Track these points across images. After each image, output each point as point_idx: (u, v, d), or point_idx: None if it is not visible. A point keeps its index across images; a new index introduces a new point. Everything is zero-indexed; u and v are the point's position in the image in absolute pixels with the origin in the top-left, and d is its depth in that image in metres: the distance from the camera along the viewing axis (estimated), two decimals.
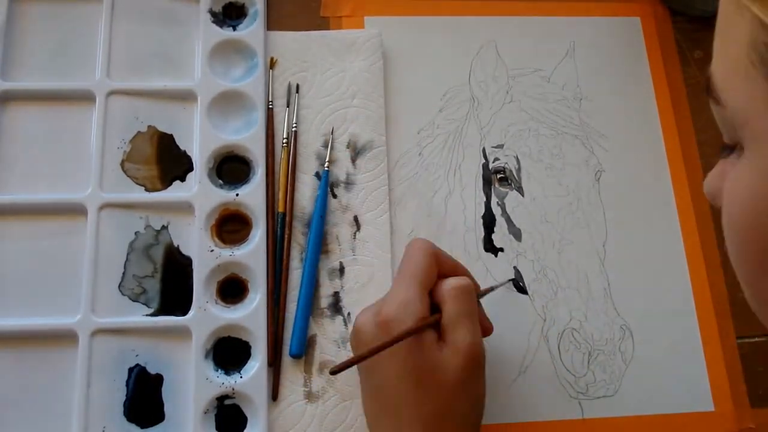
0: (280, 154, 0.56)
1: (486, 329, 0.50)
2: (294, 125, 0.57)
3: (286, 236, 0.54)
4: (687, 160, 0.60)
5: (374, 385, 0.45)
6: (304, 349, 0.52)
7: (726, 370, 0.55)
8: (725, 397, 0.54)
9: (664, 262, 0.57)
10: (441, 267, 0.47)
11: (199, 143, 0.55)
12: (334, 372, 0.42)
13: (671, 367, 0.55)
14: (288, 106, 0.58)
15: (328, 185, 0.56)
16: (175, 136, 0.56)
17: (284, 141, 0.56)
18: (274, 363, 0.51)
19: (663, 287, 0.57)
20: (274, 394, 0.51)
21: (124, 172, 0.55)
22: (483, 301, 0.51)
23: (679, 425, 0.53)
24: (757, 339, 0.56)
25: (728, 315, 0.56)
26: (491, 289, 0.53)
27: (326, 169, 0.56)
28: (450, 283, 0.46)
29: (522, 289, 0.55)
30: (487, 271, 0.56)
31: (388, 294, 0.47)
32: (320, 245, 0.54)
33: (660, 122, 0.61)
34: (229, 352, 0.51)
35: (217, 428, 0.50)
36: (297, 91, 0.58)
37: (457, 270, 0.49)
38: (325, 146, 0.57)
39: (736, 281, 0.57)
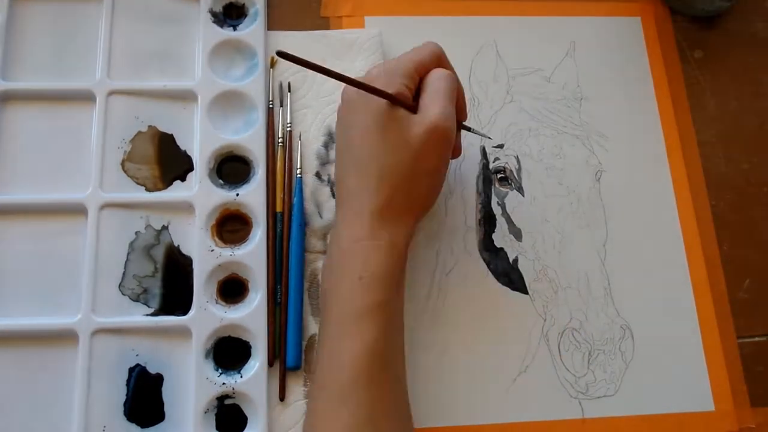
0: (278, 154, 0.56)
1: (457, 150, 0.54)
2: (288, 125, 0.57)
3: (284, 236, 0.54)
4: (687, 160, 0.60)
5: (346, 138, 0.49)
6: (301, 360, 0.52)
7: (726, 370, 0.55)
8: (726, 397, 0.54)
9: (665, 262, 0.57)
10: (441, 65, 0.50)
11: (200, 143, 0.55)
12: (281, 54, 0.43)
13: (671, 366, 0.55)
14: (281, 106, 0.58)
15: (302, 192, 0.55)
16: (175, 136, 0.56)
17: (280, 140, 0.56)
18: (280, 363, 0.51)
19: (663, 287, 0.57)
20: (281, 395, 0.51)
21: (125, 171, 0.55)
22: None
23: (679, 425, 0.53)
24: (757, 339, 0.56)
25: (728, 315, 0.56)
26: (471, 128, 0.55)
27: (299, 176, 0.56)
28: (437, 69, 0.49)
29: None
30: (487, 271, 0.56)
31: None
32: (302, 257, 0.54)
33: (660, 122, 0.61)
34: (229, 352, 0.51)
35: (217, 428, 0.50)
36: (289, 90, 0.58)
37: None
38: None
39: (736, 281, 0.57)
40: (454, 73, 0.51)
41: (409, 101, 0.48)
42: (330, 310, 0.47)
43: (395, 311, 0.47)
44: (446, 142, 0.48)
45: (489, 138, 0.58)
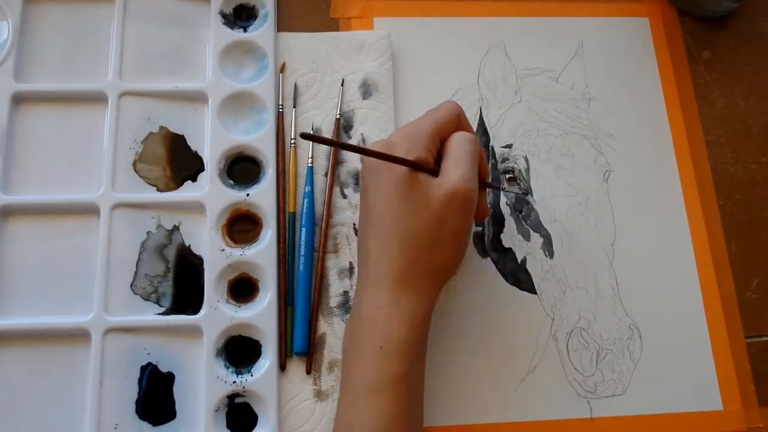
0: (289, 155, 0.57)
1: (482, 212, 0.53)
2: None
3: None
4: (695, 160, 0.60)
5: (367, 205, 0.48)
6: (307, 346, 0.52)
7: (735, 370, 0.55)
8: (734, 397, 0.54)
9: (673, 262, 0.58)
10: (461, 126, 0.50)
11: (210, 144, 0.56)
12: (305, 136, 0.43)
13: (680, 366, 0.55)
14: (295, 107, 0.58)
15: (312, 182, 0.56)
16: (186, 137, 0.57)
17: (292, 141, 0.57)
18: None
19: (671, 287, 0.57)
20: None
21: (136, 172, 0.55)
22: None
23: (687, 424, 0.53)
24: (765, 338, 0.56)
25: (737, 314, 0.56)
26: (499, 187, 0.57)
27: (309, 165, 0.56)
28: (458, 133, 0.48)
29: (523, 196, 0.58)
30: (495, 271, 0.56)
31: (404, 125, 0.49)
32: (311, 254, 0.54)
33: (668, 122, 0.61)
34: (239, 351, 0.52)
35: (227, 426, 0.50)
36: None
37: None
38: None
39: (744, 281, 0.57)
40: (473, 132, 0.50)
41: (431, 165, 0.47)
42: (348, 378, 0.47)
43: (415, 382, 0.46)
44: (468, 205, 0.47)
45: (520, 193, 0.58)
